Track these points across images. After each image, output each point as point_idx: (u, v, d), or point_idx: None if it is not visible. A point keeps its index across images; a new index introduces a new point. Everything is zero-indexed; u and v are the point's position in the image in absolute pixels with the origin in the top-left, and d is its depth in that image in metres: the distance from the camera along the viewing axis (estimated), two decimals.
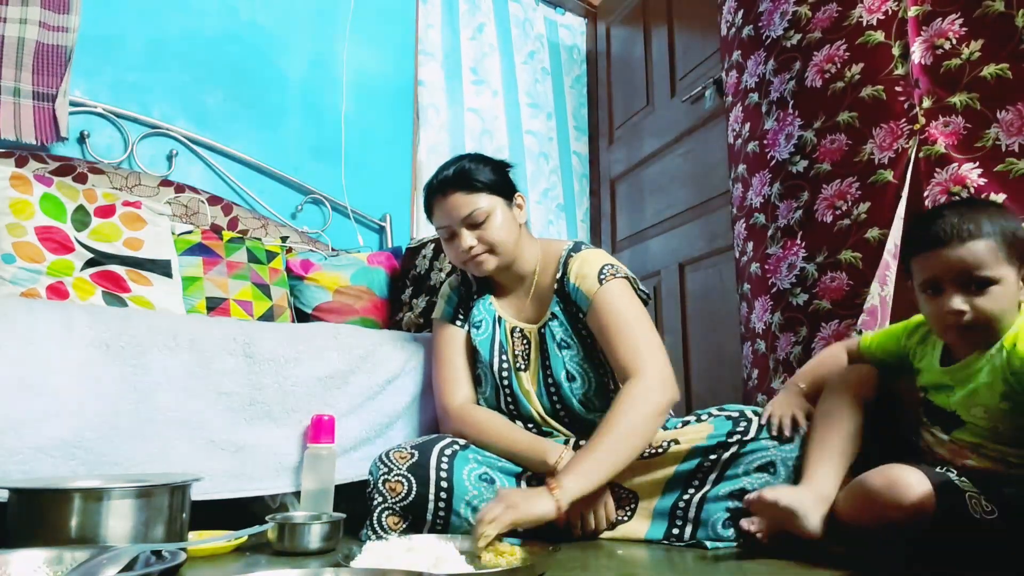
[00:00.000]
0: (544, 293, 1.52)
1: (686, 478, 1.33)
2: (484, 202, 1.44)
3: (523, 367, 1.50)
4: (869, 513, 1.07)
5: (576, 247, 1.52)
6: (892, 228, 1.54)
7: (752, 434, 1.31)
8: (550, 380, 1.47)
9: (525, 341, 1.51)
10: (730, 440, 1.31)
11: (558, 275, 1.50)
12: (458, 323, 1.58)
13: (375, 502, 1.33)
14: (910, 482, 1.02)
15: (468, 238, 1.44)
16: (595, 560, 1.16)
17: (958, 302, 1.07)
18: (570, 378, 1.46)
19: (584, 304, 1.44)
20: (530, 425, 1.48)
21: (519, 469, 1.40)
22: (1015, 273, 1.07)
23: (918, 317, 1.26)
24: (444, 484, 1.32)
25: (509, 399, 1.50)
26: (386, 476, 1.33)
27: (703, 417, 1.41)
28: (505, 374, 1.50)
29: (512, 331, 1.53)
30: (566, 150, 3.34)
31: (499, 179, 1.49)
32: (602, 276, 1.43)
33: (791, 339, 1.73)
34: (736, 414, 1.36)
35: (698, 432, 1.35)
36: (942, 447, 1.18)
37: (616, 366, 1.38)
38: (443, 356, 1.56)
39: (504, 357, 1.51)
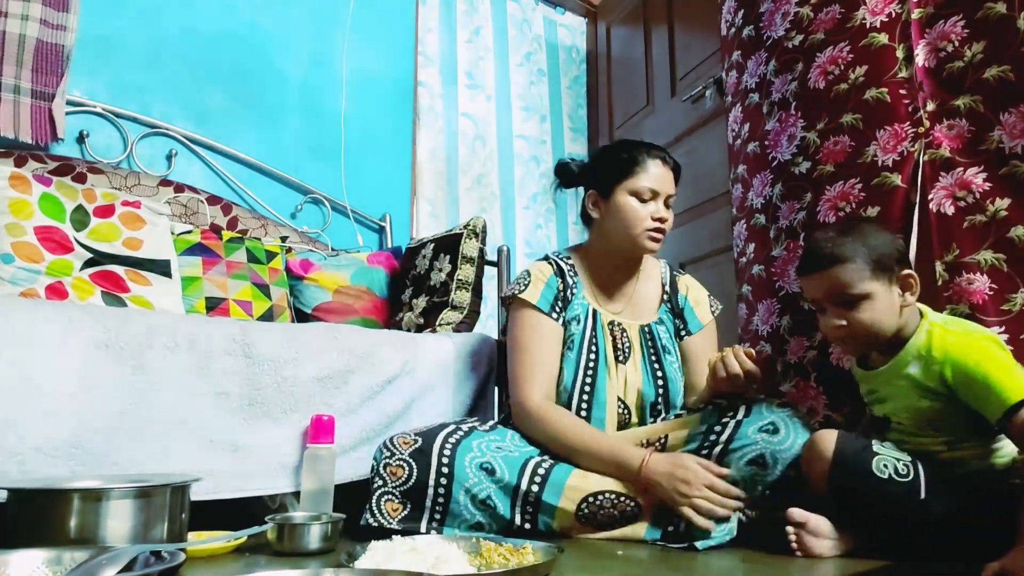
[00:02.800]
0: (646, 298, 1.63)
1: None
2: None
3: (623, 358, 1.54)
4: (810, 469, 1.22)
5: (674, 269, 1.71)
6: (912, 236, 1.51)
7: (740, 416, 1.33)
8: (659, 374, 1.53)
9: (625, 335, 1.56)
10: (716, 429, 1.34)
11: (666, 287, 1.65)
12: (554, 315, 1.55)
13: (375, 486, 1.35)
14: (826, 437, 1.21)
15: (665, 211, 1.54)
16: (595, 560, 1.16)
17: (837, 319, 1.21)
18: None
19: (694, 326, 1.62)
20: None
21: (521, 460, 1.38)
22: (883, 285, 1.18)
23: None
24: (445, 470, 1.33)
25: (587, 389, 1.51)
26: (388, 460, 1.35)
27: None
28: (591, 366, 1.52)
29: (609, 324, 1.57)
30: (560, 152, 3.33)
31: None
32: (712, 308, 1.66)
33: (804, 343, 1.71)
34: (724, 404, 1.39)
35: (683, 425, 1.41)
36: None
37: (694, 387, 1.57)
38: (531, 346, 1.51)
39: (593, 349, 1.53)
